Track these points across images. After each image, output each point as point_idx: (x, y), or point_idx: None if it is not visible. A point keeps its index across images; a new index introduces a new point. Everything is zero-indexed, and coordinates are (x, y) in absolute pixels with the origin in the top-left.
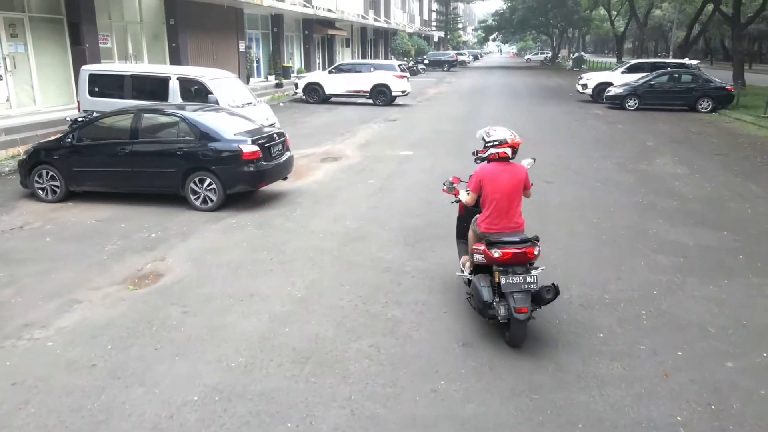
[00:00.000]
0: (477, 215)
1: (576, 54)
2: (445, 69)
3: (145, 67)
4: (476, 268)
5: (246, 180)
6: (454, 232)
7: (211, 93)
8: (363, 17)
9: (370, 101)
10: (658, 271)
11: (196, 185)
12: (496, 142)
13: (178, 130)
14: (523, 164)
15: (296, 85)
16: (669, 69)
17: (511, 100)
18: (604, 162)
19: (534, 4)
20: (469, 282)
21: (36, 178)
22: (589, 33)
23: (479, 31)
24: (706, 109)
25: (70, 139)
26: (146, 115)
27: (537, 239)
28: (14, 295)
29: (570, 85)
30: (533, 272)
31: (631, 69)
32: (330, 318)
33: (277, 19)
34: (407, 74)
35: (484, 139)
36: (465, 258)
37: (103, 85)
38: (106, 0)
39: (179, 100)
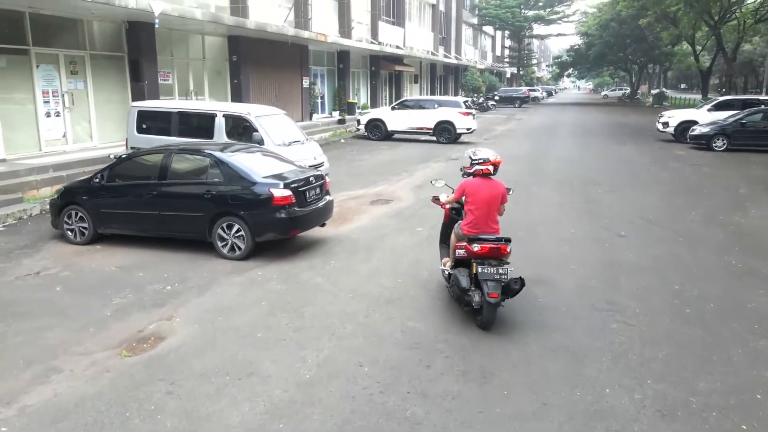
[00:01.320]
0: (459, 221)
1: (656, 90)
2: (516, 105)
3: (191, 104)
4: (456, 264)
5: (276, 227)
6: (506, 300)
7: (256, 130)
8: (432, 53)
9: (434, 138)
10: (761, 363)
11: (224, 231)
12: (481, 160)
13: (208, 172)
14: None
15: (358, 122)
16: (764, 106)
17: (583, 138)
18: (687, 212)
19: (612, 39)
20: (449, 277)
21: (65, 218)
22: (671, 68)
23: (554, 67)
24: None
25: (98, 179)
26: (177, 154)
27: (509, 240)
28: None
29: (649, 123)
30: (505, 266)
31: (719, 106)
32: (336, 412)
33: (343, 55)
34: (473, 111)
35: (470, 158)
36: (446, 259)
37: (150, 122)
38: (169, 37)
39: (224, 138)
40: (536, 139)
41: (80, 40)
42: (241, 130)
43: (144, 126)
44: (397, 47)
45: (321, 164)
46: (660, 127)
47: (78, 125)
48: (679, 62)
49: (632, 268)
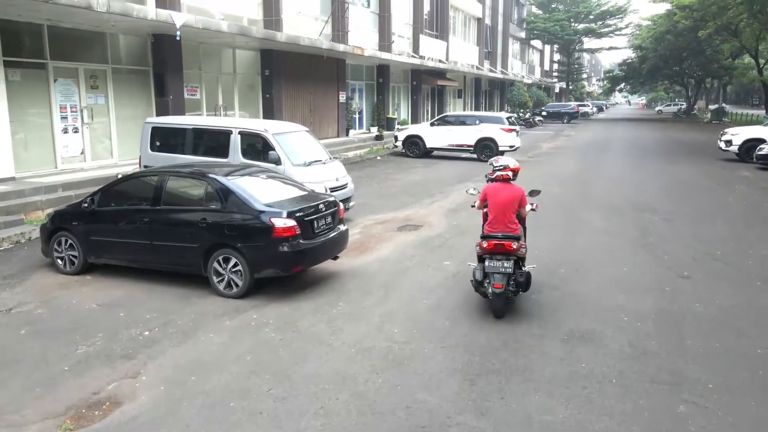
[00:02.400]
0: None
1: (715, 105)
2: (564, 121)
3: (207, 120)
4: (479, 259)
5: (278, 263)
6: (534, 362)
7: (273, 149)
8: (477, 68)
9: (475, 156)
10: None
11: (220, 265)
12: (501, 167)
13: (204, 197)
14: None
15: (396, 138)
16: None
17: (636, 157)
18: (763, 247)
19: (667, 53)
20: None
21: (55, 245)
22: (731, 83)
23: (605, 82)
24: None
25: (87, 203)
26: (172, 177)
27: (519, 238)
28: None
29: (709, 141)
30: (510, 261)
31: None
32: None
33: (382, 69)
34: (516, 127)
35: (492, 165)
36: None
37: (164, 139)
38: (197, 51)
39: (240, 157)
40: (585, 157)
41: (102, 53)
42: (259, 149)
43: (158, 143)
44: (440, 61)
45: (344, 186)
46: (722, 145)
47: (98, 142)
48: (741, 76)
49: (700, 323)
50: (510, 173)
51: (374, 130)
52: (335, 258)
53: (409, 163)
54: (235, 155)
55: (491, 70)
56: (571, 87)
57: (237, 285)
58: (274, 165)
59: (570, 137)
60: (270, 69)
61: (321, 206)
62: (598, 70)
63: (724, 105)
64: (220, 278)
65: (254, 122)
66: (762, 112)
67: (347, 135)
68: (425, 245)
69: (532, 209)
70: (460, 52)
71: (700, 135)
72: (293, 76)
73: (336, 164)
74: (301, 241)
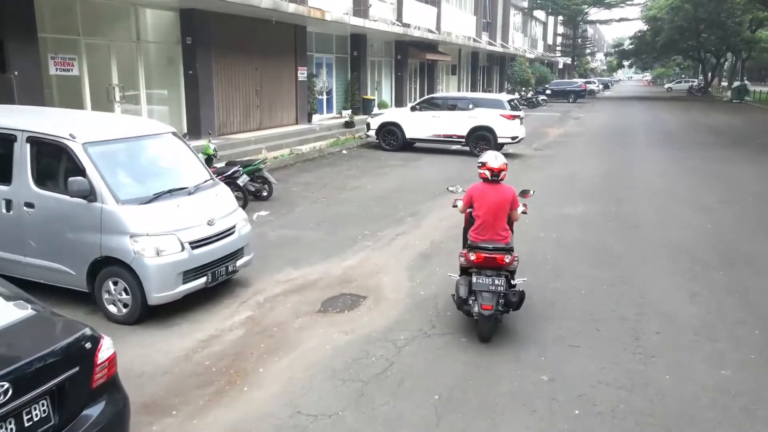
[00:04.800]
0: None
1: (737, 83)
2: (570, 100)
3: None
4: (462, 271)
5: None
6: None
7: (83, 172)
8: (475, 40)
9: (467, 150)
10: None
11: None
12: (480, 164)
13: None
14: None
15: (367, 126)
16: None
17: (670, 150)
18: None
19: (684, 24)
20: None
21: None
22: (750, 58)
23: (613, 57)
24: None
25: None
26: None
27: (512, 249)
28: None
29: (747, 127)
30: (502, 278)
31: None
32: None
33: (357, 39)
34: (521, 113)
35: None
36: None
37: None
38: (71, 8)
39: (30, 184)
40: (606, 150)
41: None
42: (63, 168)
43: None
44: (429, 31)
45: (227, 233)
46: None
47: None
48: (764, 51)
49: None
50: (487, 173)
51: (346, 115)
52: None
53: (383, 159)
54: (23, 181)
55: (490, 43)
56: (575, 63)
57: None
58: (82, 201)
59: (580, 120)
60: (193, 36)
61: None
62: (601, 45)
63: (746, 82)
64: None
65: (52, 121)
66: None
67: (309, 122)
68: (359, 357)
69: (523, 212)
70: (454, 22)
71: (729, 118)
72: (229, 45)
73: (218, 192)
74: None
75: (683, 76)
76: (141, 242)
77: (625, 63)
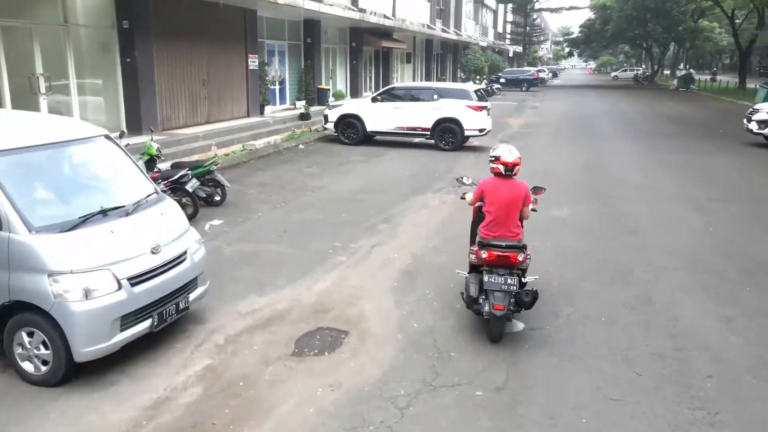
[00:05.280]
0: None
1: (682, 71)
2: (523, 89)
3: None
4: (471, 268)
5: None
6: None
7: None
8: (429, 27)
9: (432, 142)
10: None
11: None
12: (493, 158)
13: None
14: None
15: (325, 118)
16: None
17: (639, 142)
18: None
19: (633, 13)
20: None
21: None
22: (692, 47)
23: (562, 46)
24: None
25: None
26: None
27: (525, 247)
28: None
29: (703, 115)
30: (515, 276)
31: None
32: None
33: (311, 25)
34: (488, 104)
35: (490, 155)
36: None
37: None
38: None
39: None
40: (574, 142)
41: None
42: None
43: None
44: (385, 17)
45: (177, 260)
46: (753, 127)
47: None
48: (707, 40)
49: None
50: (501, 167)
51: (301, 106)
52: None
53: (343, 154)
54: None
55: (444, 30)
56: (526, 51)
57: None
58: None
59: (538, 110)
60: (130, 19)
61: None
62: (546, 34)
63: (692, 71)
64: None
65: None
66: (728, 78)
67: (262, 114)
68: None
69: (533, 209)
70: (408, 8)
71: (683, 107)
72: (172, 31)
73: (164, 210)
74: None
75: (625, 64)
76: (63, 282)
77: (575, 52)
